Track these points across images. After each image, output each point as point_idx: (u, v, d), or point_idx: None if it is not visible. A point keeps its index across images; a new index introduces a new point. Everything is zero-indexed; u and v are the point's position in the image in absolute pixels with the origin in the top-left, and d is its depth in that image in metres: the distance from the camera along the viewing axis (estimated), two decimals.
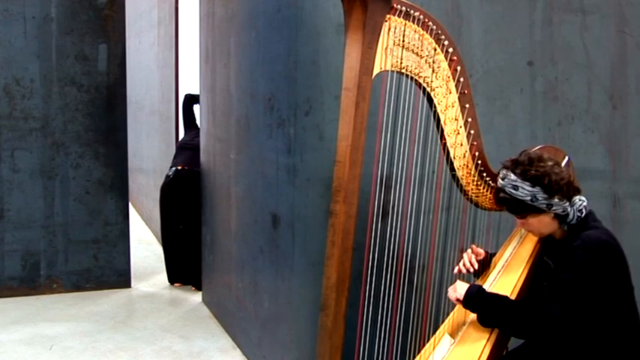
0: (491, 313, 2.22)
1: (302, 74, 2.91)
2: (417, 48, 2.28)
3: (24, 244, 4.73)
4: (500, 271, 2.47)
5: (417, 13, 2.25)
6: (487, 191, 2.49)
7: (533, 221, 2.27)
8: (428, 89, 2.33)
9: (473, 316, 2.31)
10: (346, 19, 2.20)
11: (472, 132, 2.41)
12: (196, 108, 5.17)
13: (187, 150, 5.05)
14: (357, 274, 2.38)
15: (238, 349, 3.84)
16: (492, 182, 2.47)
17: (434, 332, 2.45)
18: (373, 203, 2.68)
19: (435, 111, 2.37)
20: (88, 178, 4.84)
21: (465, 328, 2.33)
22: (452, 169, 2.44)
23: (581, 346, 2.20)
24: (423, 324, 2.54)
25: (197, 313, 4.48)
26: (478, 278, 2.56)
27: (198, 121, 5.16)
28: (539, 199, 2.20)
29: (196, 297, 4.81)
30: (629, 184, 3.44)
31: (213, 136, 4.31)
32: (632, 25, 3.38)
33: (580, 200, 2.26)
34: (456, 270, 2.54)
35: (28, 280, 4.76)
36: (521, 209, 2.24)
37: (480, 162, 2.44)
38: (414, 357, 2.42)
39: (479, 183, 2.47)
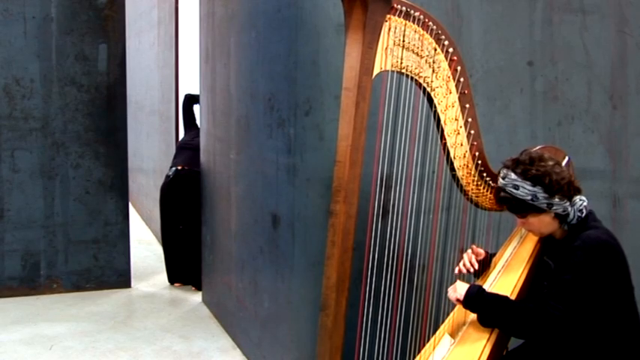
0: (492, 313, 2.22)
1: (302, 74, 2.91)
2: (417, 48, 2.28)
3: (24, 244, 4.73)
4: (500, 271, 2.47)
5: (417, 13, 2.25)
6: (487, 191, 2.49)
7: (534, 221, 2.27)
8: (428, 89, 2.33)
9: (473, 316, 2.31)
10: (346, 19, 2.21)
11: (472, 132, 2.41)
12: (196, 108, 5.17)
13: (187, 150, 5.05)
14: (357, 274, 2.38)
15: (238, 349, 3.84)
16: (492, 182, 2.47)
17: (434, 332, 2.45)
18: (373, 203, 2.68)
19: (435, 111, 2.37)
20: (88, 178, 4.84)
21: (465, 328, 2.33)
22: (452, 169, 2.44)
23: (581, 346, 2.20)
24: (423, 324, 2.54)
25: (197, 313, 4.48)
26: (478, 278, 2.56)
27: (198, 121, 5.16)
28: (540, 198, 2.20)
29: (196, 297, 4.81)
30: (629, 184, 3.44)
31: (213, 136, 4.31)
32: (632, 25, 3.38)
33: (581, 200, 2.26)
34: (456, 270, 2.54)
35: (28, 280, 4.76)
36: (522, 209, 2.24)
37: (480, 162, 2.44)
38: (414, 357, 2.42)
39: (479, 183, 2.47)
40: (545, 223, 2.26)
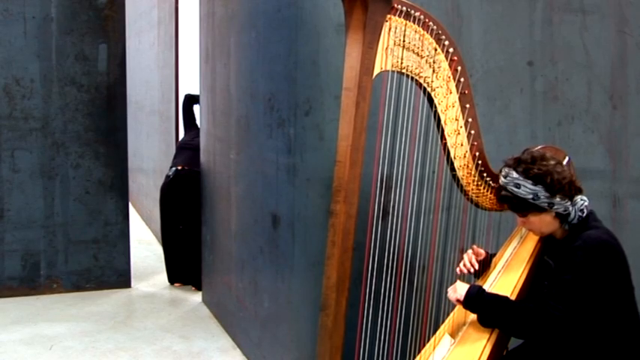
0: (492, 313, 2.22)
1: (302, 74, 2.91)
2: (418, 48, 2.28)
3: (24, 244, 4.73)
4: (500, 271, 2.47)
5: (417, 13, 2.25)
6: (487, 191, 2.49)
7: (535, 220, 2.27)
8: (428, 89, 2.33)
9: (473, 316, 2.31)
10: (347, 19, 2.21)
11: (472, 132, 2.41)
12: (196, 108, 5.17)
13: (187, 150, 5.05)
14: (358, 274, 2.38)
15: (238, 349, 3.84)
16: (493, 182, 2.47)
17: (434, 332, 2.45)
18: (373, 203, 2.68)
19: (436, 111, 2.37)
20: (88, 178, 4.84)
21: (465, 328, 2.33)
22: (452, 169, 2.44)
23: (581, 346, 2.20)
24: (424, 324, 2.54)
25: (197, 313, 4.48)
26: (478, 279, 2.55)
27: (198, 121, 5.16)
28: (541, 197, 2.20)
29: (196, 297, 4.81)
30: (629, 184, 3.44)
31: (213, 136, 4.31)
32: (632, 25, 3.38)
33: (582, 200, 2.26)
34: (457, 270, 2.54)
35: (28, 280, 4.76)
36: (523, 207, 2.24)
37: (480, 162, 2.44)
38: (414, 357, 2.42)
39: (479, 183, 2.47)
40: (546, 222, 2.26)
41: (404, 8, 2.23)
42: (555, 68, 3.25)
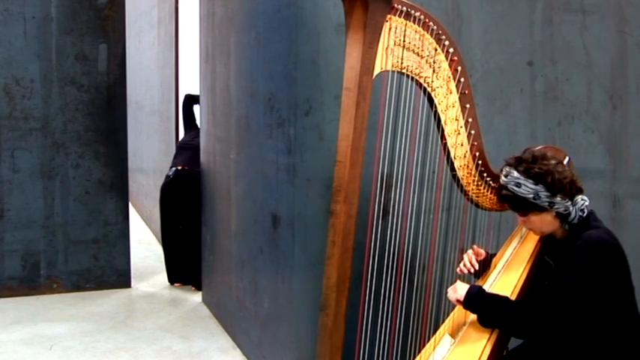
0: (492, 314, 2.22)
1: (302, 74, 2.91)
2: (418, 48, 2.28)
3: (24, 244, 4.73)
4: (500, 271, 2.47)
5: (417, 13, 2.25)
6: (487, 191, 2.49)
7: (535, 219, 2.27)
8: (428, 89, 2.33)
9: (473, 316, 2.31)
10: (347, 19, 2.21)
11: (472, 132, 2.41)
12: (196, 108, 5.17)
13: (187, 150, 5.05)
14: (358, 274, 2.38)
15: (238, 349, 3.84)
16: (493, 182, 2.47)
17: (434, 332, 2.46)
18: (374, 203, 2.68)
19: (436, 111, 2.37)
20: (88, 178, 4.84)
21: (465, 328, 2.33)
22: (452, 169, 2.44)
23: (581, 346, 2.20)
24: (424, 324, 2.54)
25: (197, 313, 4.48)
26: (478, 279, 2.56)
27: (198, 121, 5.16)
28: (542, 197, 2.20)
29: (196, 297, 4.81)
30: (629, 184, 3.44)
31: (213, 136, 4.31)
32: (632, 25, 3.38)
33: (582, 200, 2.26)
34: (458, 270, 2.54)
35: (28, 280, 4.76)
36: (523, 207, 2.24)
37: (480, 162, 2.44)
38: (415, 357, 2.42)
39: (479, 183, 2.47)
40: (547, 222, 2.27)
41: (404, 8, 2.23)
42: (555, 68, 3.25)
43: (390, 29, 2.22)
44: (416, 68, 2.29)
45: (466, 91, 2.38)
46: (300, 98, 2.90)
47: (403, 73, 2.29)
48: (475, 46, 3.10)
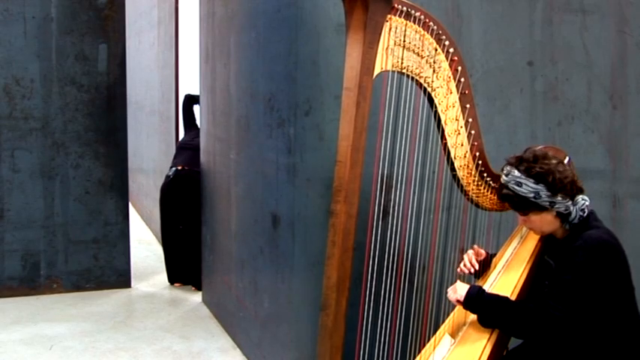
0: (492, 314, 2.22)
1: (302, 74, 2.91)
2: (418, 48, 2.28)
3: (24, 244, 4.73)
4: (500, 271, 2.47)
5: (417, 14, 2.25)
6: (488, 191, 2.49)
7: (535, 219, 2.27)
8: (429, 89, 2.33)
9: (473, 316, 2.31)
10: (347, 19, 2.21)
11: (473, 132, 2.41)
12: (196, 108, 5.17)
13: (187, 150, 5.05)
14: (358, 274, 2.38)
15: (238, 349, 3.84)
16: (493, 182, 2.47)
17: (434, 332, 2.45)
18: (374, 203, 2.68)
19: (436, 111, 2.37)
20: (88, 178, 4.84)
21: (465, 328, 2.33)
22: (452, 169, 2.44)
23: (581, 346, 2.20)
24: (424, 324, 2.54)
25: (197, 313, 4.48)
26: (478, 279, 2.56)
27: (198, 121, 5.16)
28: (543, 196, 2.20)
29: (196, 297, 4.81)
30: (629, 184, 3.44)
31: (213, 136, 4.31)
32: (632, 25, 3.38)
33: (583, 200, 2.26)
34: (458, 271, 2.54)
35: (28, 280, 4.76)
36: (524, 206, 2.24)
37: (480, 162, 2.44)
38: (415, 357, 2.42)
39: (479, 183, 2.47)
40: (547, 221, 2.27)
41: (404, 8, 2.23)
42: (555, 68, 3.25)
43: (390, 29, 2.22)
44: (416, 68, 2.29)
45: (466, 91, 2.38)
46: (300, 98, 2.90)
47: (403, 73, 2.29)
48: (475, 46, 3.10)
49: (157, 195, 5.28)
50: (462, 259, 2.56)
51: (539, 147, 2.44)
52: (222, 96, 4.06)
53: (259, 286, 3.49)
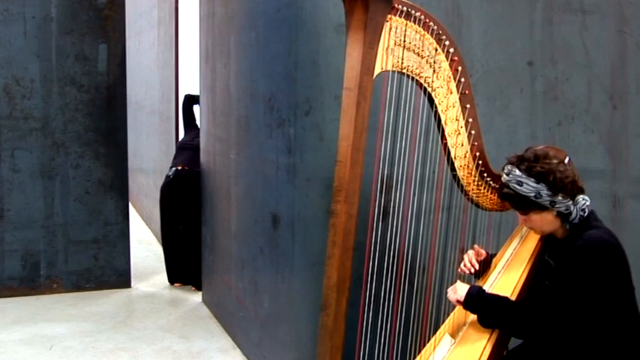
0: (492, 314, 2.22)
1: (302, 74, 2.91)
2: (418, 48, 2.28)
3: (24, 244, 4.73)
4: (500, 271, 2.47)
5: (418, 14, 2.25)
6: (488, 191, 2.49)
7: (536, 218, 2.27)
8: (429, 89, 2.33)
9: (473, 316, 2.31)
10: (347, 19, 2.21)
11: (473, 132, 2.41)
12: (196, 108, 5.17)
13: (187, 150, 5.05)
14: (358, 274, 2.38)
15: (238, 349, 3.84)
16: (493, 182, 2.47)
17: (434, 332, 2.46)
18: (374, 203, 2.68)
19: (436, 111, 2.37)
20: (88, 178, 4.84)
21: (465, 328, 2.33)
22: (452, 169, 2.44)
23: (581, 346, 2.20)
24: (424, 324, 2.54)
25: (197, 313, 4.48)
26: (479, 279, 2.56)
27: (198, 121, 5.16)
28: (543, 195, 2.20)
29: (196, 297, 4.81)
30: (629, 184, 3.44)
31: (213, 136, 4.31)
32: (632, 25, 3.38)
33: (584, 200, 2.26)
34: (459, 271, 2.54)
35: (28, 280, 4.76)
36: (525, 205, 2.24)
37: (480, 162, 2.44)
38: (415, 357, 2.42)
39: (479, 183, 2.47)
40: (547, 221, 2.27)
41: (404, 8, 2.23)
42: (555, 68, 3.25)
43: (390, 29, 2.22)
44: (416, 68, 2.29)
45: (466, 91, 2.38)
46: (300, 98, 2.90)
47: (403, 73, 2.29)
48: (475, 46, 3.10)
49: (157, 195, 5.28)
50: (462, 259, 2.56)
51: (540, 147, 2.44)
52: (222, 96, 4.07)
53: (259, 286, 3.49)
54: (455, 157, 2.41)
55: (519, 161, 2.24)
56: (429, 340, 2.43)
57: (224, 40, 4.00)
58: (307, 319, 2.96)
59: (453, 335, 2.36)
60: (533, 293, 2.36)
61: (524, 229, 2.56)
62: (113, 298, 4.78)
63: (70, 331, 4.10)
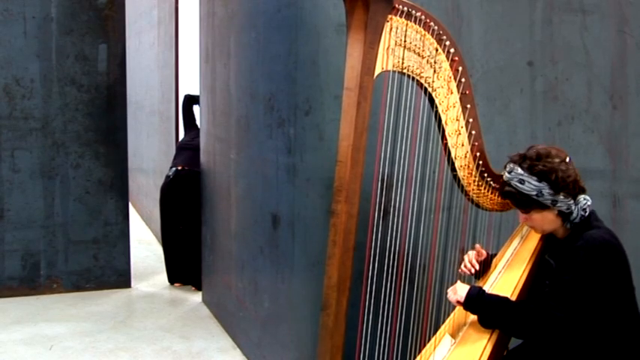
0: (493, 315, 2.22)
1: (302, 74, 2.91)
2: (419, 48, 2.28)
3: (24, 244, 4.73)
4: (501, 271, 2.47)
5: (418, 14, 2.25)
6: (488, 191, 2.49)
7: (537, 217, 2.27)
8: (429, 89, 2.33)
9: (474, 316, 2.31)
10: (348, 19, 2.21)
11: (473, 132, 2.41)
12: (196, 108, 5.18)
13: (187, 150, 5.05)
14: (358, 273, 2.38)
15: (238, 349, 3.84)
16: (493, 182, 2.47)
17: (435, 332, 2.46)
18: (374, 203, 2.68)
19: (437, 111, 2.37)
20: (88, 178, 4.84)
21: (465, 328, 2.33)
22: (453, 169, 2.44)
23: (582, 346, 2.20)
24: (424, 324, 2.54)
25: (197, 313, 4.48)
26: (479, 279, 2.56)
27: (198, 122, 5.16)
28: (545, 194, 2.20)
29: (196, 297, 4.81)
30: (629, 184, 3.44)
31: (213, 136, 4.31)
32: (632, 25, 3.38)
33: (585, 199, 2.26)
34: (459, 271, 2.55)
35: (28, 280, 4.76)
36: (526, 204, 2.24)
37: (480, 162, 2.44)
38: (415, 357, 2.42)
39: (480, 183, 2.47)
40: (548, 220, 2.27)
41: (405, 8, 2.23)
42: (555, 68, 3.26)
43: (390, 29, 2.22)
44: (417, 68, 2.29)
45: (467, 92, 2.38)
46: (300, 98, 2.90)
47: (404, 74, 2.29)
48: (475, 46, 3.10)
49: (157, 195, 5.28)
50: (463, 259, 2.56)
51: (542, 146, 2.44)
52: (222, 96, 4.07)
53: (259, 286, 3.49)
54: (455, 157, 2.41)
55: (521, 159, 2.24)
56: (429, 340, 2.43)
57: (224, 40, 4.00)
58: (307, 319, 2.96)
59: (454, 335, 2.36)
60: (533, 293, 2.36)
61: (525, 228, 2.56)
62: (113, 298, 4.78)
63: (70, 331, 4.10)
